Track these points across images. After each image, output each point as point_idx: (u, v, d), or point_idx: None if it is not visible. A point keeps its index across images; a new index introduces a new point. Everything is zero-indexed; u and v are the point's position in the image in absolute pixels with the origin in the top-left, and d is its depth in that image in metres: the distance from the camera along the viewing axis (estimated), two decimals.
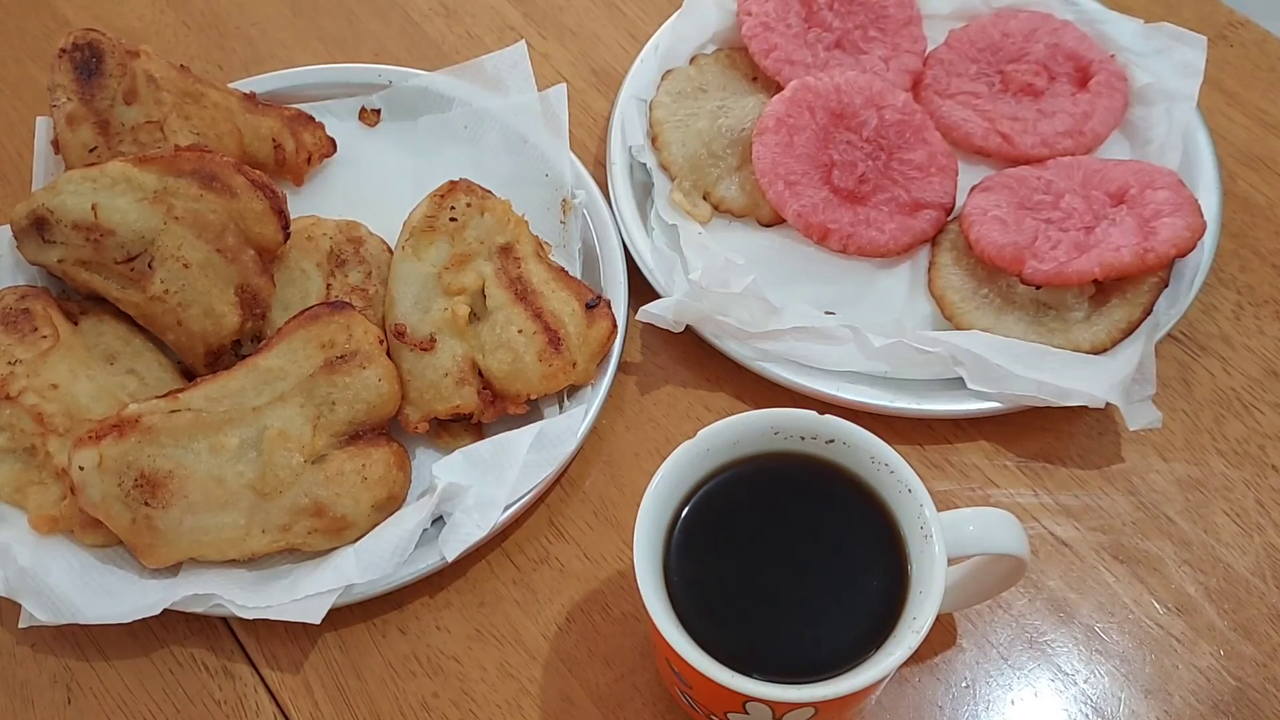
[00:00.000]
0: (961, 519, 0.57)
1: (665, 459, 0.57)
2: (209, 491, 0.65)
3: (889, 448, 0.57)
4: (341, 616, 0.68)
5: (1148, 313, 0.72)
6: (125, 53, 0.77)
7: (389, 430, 0.71)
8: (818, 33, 0.85)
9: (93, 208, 0.69)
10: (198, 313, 0.70)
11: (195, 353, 0.71)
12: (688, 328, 0.75)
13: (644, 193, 0.82)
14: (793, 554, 0.57)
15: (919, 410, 0.72)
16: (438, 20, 0.96)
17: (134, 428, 0.65)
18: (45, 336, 0.69)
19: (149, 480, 0.64)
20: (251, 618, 0.64)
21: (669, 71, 0.85)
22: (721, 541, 0.57)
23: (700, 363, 0.77)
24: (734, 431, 0.58)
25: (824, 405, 0.73)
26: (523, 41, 0.86)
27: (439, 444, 0.73)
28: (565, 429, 0.70)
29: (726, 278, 0.73)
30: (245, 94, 0.83)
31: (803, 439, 0.59)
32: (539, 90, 0.84)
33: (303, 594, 0.64)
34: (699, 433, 0.58)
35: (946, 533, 0.55)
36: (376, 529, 0.67)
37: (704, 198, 0.81)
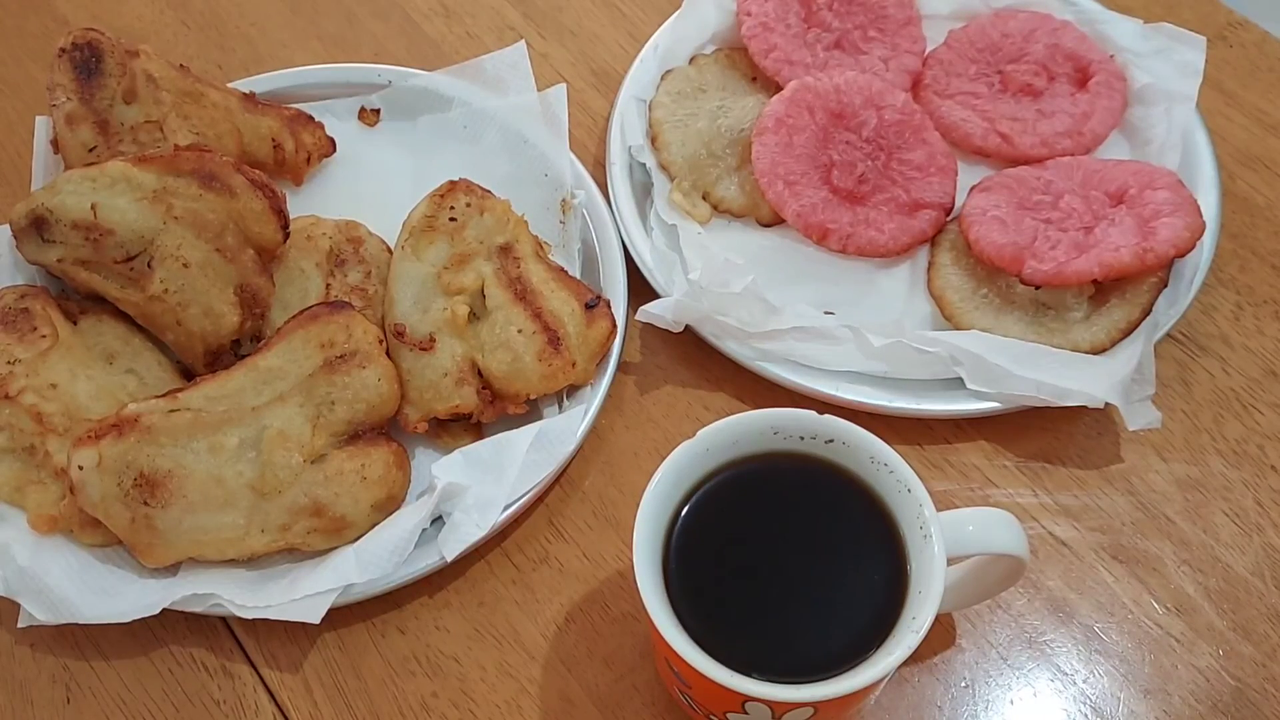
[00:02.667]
0: (961, 519, 0.57)
1: (665, 459, 0.57)
2: (208, 491, 0.65)
3: (888, 447, 0.57)
4: (341, 616, 0.68)
5: (1147, 313, 0.72)
6: (125, 52, 0.77)
7: (388, 430, 0.71)
8: (817, 33, 0.85)
9: (92, 207, 0.69)
10: (197, 312, 0.70)
11: (195, 352, 0.71)
12: (687, 328, 0.75)
13: (644, 193, 0.82)
14: (792, 554, 0.57)
15: (918, 410, 0.72)
16: (437, 20, 0.96)
17: (133, 427, 0.65)
18: (44, 336, 0.69)
19: (148, 480, 0.64)
20: (251, 617, 0.64)
21: (669, 71, 0.85)
22: (721, 541, 0.57)
23: (700, 363, 0.77)
24: (733, 431, 0.58)
25: (824, 405, 0.73)
26: (522, 41, 0.86)
27: (439, 444, 0.73)
28: (565, 429, 0.70)
29: (726, 278, 0.73)
30: (245, 94, 0.83)
31: (802, 439, 0.58)
32: (539, 90, 0.84)
33: (302, 594, 0.64)
34: (698, 432, 0.58)
35: (946, 532, 0.55)
36: (376, 529, 0.67)
37: (703, 198, 0.81)
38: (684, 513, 0.57)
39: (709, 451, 0.58)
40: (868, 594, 0.56)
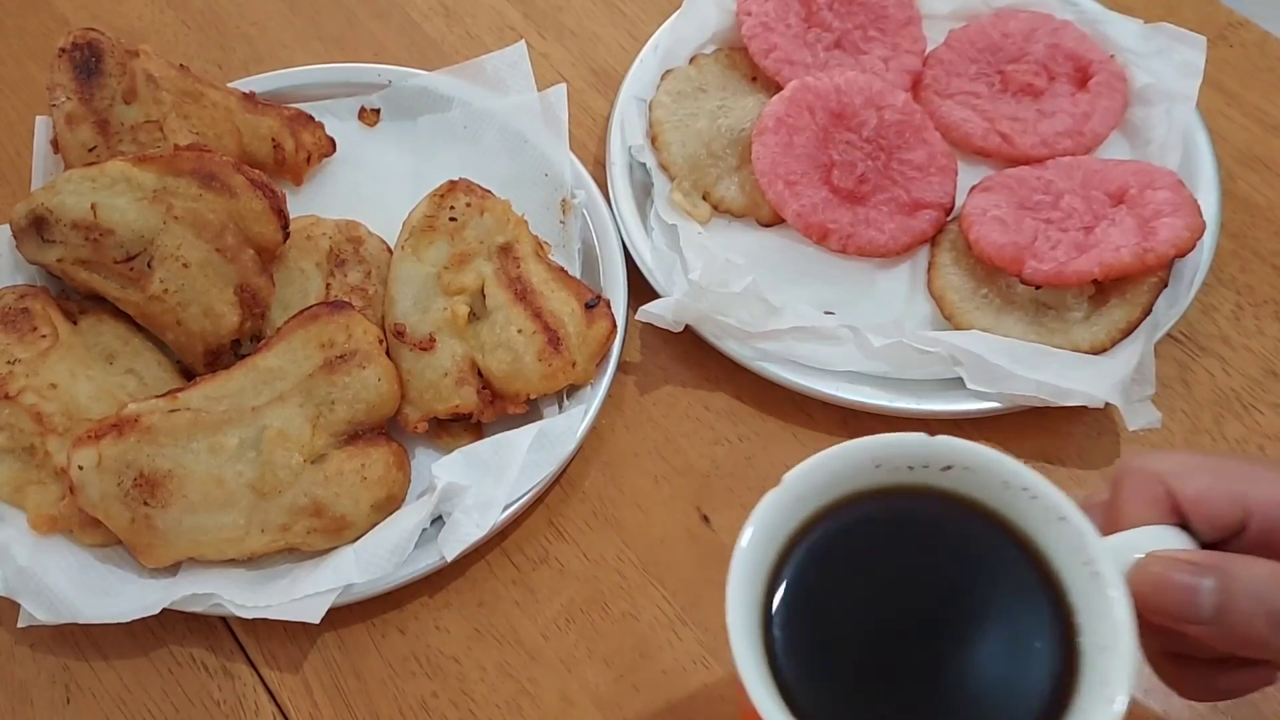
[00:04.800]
0: (1129, 543, 0.45)
1: (751, 512, 0.46)
2: (208, 491, 0.65)
3: (1025, 468, 0.47)
4: (341, 616, 0.68)
5: (1147, 313, 0.72)
6: (125, 52, 0.77)
7: (388, 430, 0.71)
8: (817, 33, 0.85)
9: (92, 207, 0.69)
10: (197, 312, 0.70)
11: (194, 352, 0.71)
12: (687, 328, 0.75)
13: (644, 193, 0.82)
14: (921, 617, 0.46)
15: (919, 410, 0.72)
16: (438, 20, 0.96)
17: (133, 427, 0.65)
18: (44, 336, 0.69)
19: (148, 480, 0.64)
20: (251, 617, 0.64)
21: (669, 71, 0.85)
22: (832, 609, 0.47)
23: (700, 363, 0.77)
24: (826, 471, 0.48)
25: (823, 405, 0.73)
26: (522, 41, 0.86)
27: (439, 444, 0.73)
28: (565, 429, 0.70)
29: (726, 278, 0.73)
30: (245, 93, 0.83)
31: (911, 469, 0.48)
32: (539, 90, 0.84)
33: (302, 593, 0.64)
34: (784, 478, 0.47)
35: (1121, 562, 0.44)
36: (376, 529, 0.67)
37: (704, 198, 0.81)
38: (782, 580, 0.47)
39: (800, 500, 0.48)
40: (1025, 659, 0.44)
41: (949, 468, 0.48)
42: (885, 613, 0.47)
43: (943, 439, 0.48)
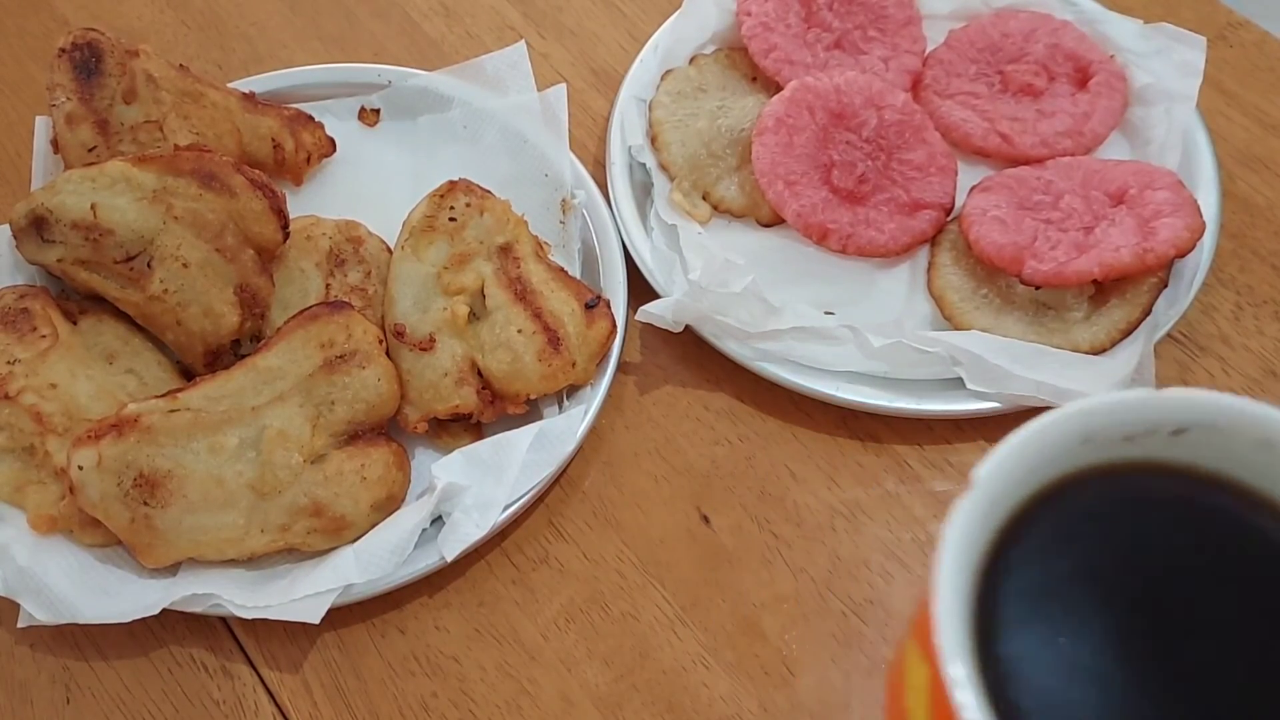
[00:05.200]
0: None
1: (943, 534, 0.37)
2: (208, 491, 0.65)
3: None
4: (340, 616, 0.68)
5: (1147, 313, 0.72)
6: (124, 52, 0.77)
7: (388, 430, 0.71)
8: (817, 33, 0.85)
9: (92, 207, 0.69)
10: (197, 312, 0.70)
11: (194, 352, 0.71)
12: (687, 328, 0.75)
13: (644, 193, 0.82)
14: (1174, 643, 0.36)
15: (919, 410, 0.72)
16: (437, 20, 0.96)
17: (133, 427, 0.65)
18: (44, 336, 0.69)
19: (148, 480, 0.64)
20: (250, 617, 0.64)
21: (668, 71, 0.85)
22: (1057, 632, 0.37)
23: (700, 363, 0.77)
24: (1023, 459, 0.38)
25: (823, 405, 0.73)
26: (522, 41, 0.86)
27: (438, 444, 0.73)
28: (565, 429, 0.70)
29: (726, 278, 0.73)
30: (245, 94, 0.83)
31: (1128, 439, 0.38)
32: (539, 90, 0.84)
33: (301, 594, 0.64)
34: (974, 477, 0.37)
35: None
36: (375, 529, 0.67)
37: (704, 198, 0.81)
38: (993, 608, 0.37)
39: (994, 502, 0.38)
40: None
41: (1181, 431, 0.38)
42: (1124, 642, 0.37)
43: (1172, 392, 0.38)
